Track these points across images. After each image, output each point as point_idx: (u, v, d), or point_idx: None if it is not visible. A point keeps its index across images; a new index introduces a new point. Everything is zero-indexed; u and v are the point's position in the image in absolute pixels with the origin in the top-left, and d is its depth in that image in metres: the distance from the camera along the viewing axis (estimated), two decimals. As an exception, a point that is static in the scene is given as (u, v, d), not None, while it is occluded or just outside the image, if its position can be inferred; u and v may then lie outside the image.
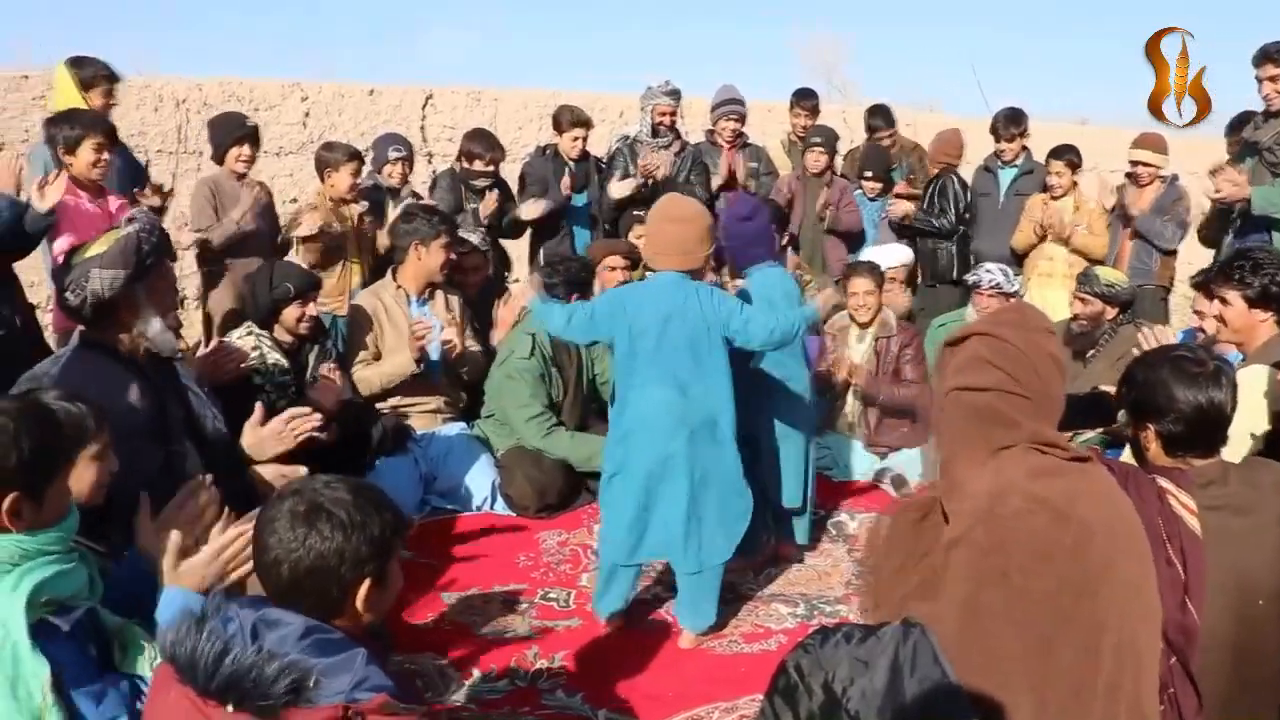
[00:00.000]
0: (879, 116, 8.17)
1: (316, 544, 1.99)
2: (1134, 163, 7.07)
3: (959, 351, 2.46)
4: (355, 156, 6.18)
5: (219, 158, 6.09)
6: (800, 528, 4.98)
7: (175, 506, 2.64)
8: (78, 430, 2.64)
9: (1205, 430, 2.70)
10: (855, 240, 7.58)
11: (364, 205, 6.21)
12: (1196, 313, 4.70)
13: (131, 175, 5.90)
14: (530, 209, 6.79)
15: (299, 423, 3.52)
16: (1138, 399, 2.79)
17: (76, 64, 5.67)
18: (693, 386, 4.05)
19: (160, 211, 5.70)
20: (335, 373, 4.82)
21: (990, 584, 2.28)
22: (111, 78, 5.72)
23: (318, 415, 3.58)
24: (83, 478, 2.66)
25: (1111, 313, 5.63)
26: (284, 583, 2.00)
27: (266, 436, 3.48)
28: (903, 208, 7.47)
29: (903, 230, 7.53)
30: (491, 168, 6.77)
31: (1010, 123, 7.49)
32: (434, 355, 5.59)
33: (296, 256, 6.04)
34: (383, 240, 6.24)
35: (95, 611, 2.30)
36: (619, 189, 6.88)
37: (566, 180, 6.92)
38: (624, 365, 4.16)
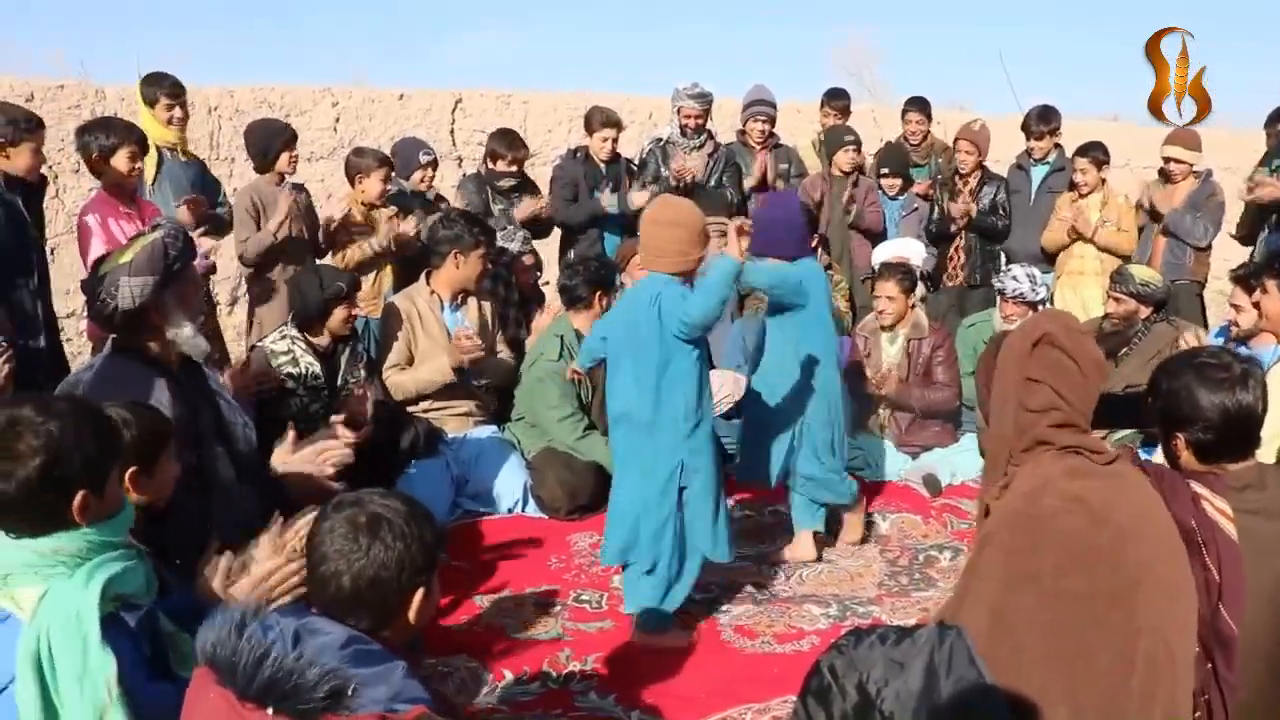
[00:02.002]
0: (914, 104, 8.04)
1: (380, 554, 2.00)
2: (1166, 159, 7.00)
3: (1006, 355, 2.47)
4: (385, 163, 6.20)
5: (266, 165, 6.07)
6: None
7: (239, 562, 2.67)
8: (159, 430, 2.77)
9: (1236, 435, 2.61)
10: (877, 239, 7.51)
11: (393, 209, 6.24)
12: (1233, 306, 4.67)
13: (204, 190, 5.95)
14: (637, 198, 6.77)
15: (329, 454, 3.52)
16: (1164, 408, 2.69)
17: (144, 82, 5.90)
18: (638, 389, 4.07)
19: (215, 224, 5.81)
20: (367, 389, 4.81)
21: (1020, 587, 2.26)
22: (173, 94, 5.87)
23: (348, 450, 3.57)
24: (165, 474, 2.78)
25: (1145, 312, 5.58)
26: (344, 594, 2.01)
27: (295, 463, 3.49)
28: (962, 208, 7.37)
29: (937, 236, 7.49)
30: (515, 167, 6.78)
31: (1041, 120, 7.43)
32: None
33: (332, 260, 6.07)
34: (407, 228, 6.26)
35: (155, 614, 2.33)
36: (637, 199, 6.82)
37: (608, 193, 6.91)
38: (608, 368, 4.27)
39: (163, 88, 5.84)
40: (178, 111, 5.89)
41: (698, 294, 4.01)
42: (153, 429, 2.74)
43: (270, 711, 1.79)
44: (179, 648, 2.32)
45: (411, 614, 2.07)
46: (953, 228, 7.41)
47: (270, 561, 2.57)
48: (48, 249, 5.73)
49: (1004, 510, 2.36)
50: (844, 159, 7.41)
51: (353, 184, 6.21)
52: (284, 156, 6.03)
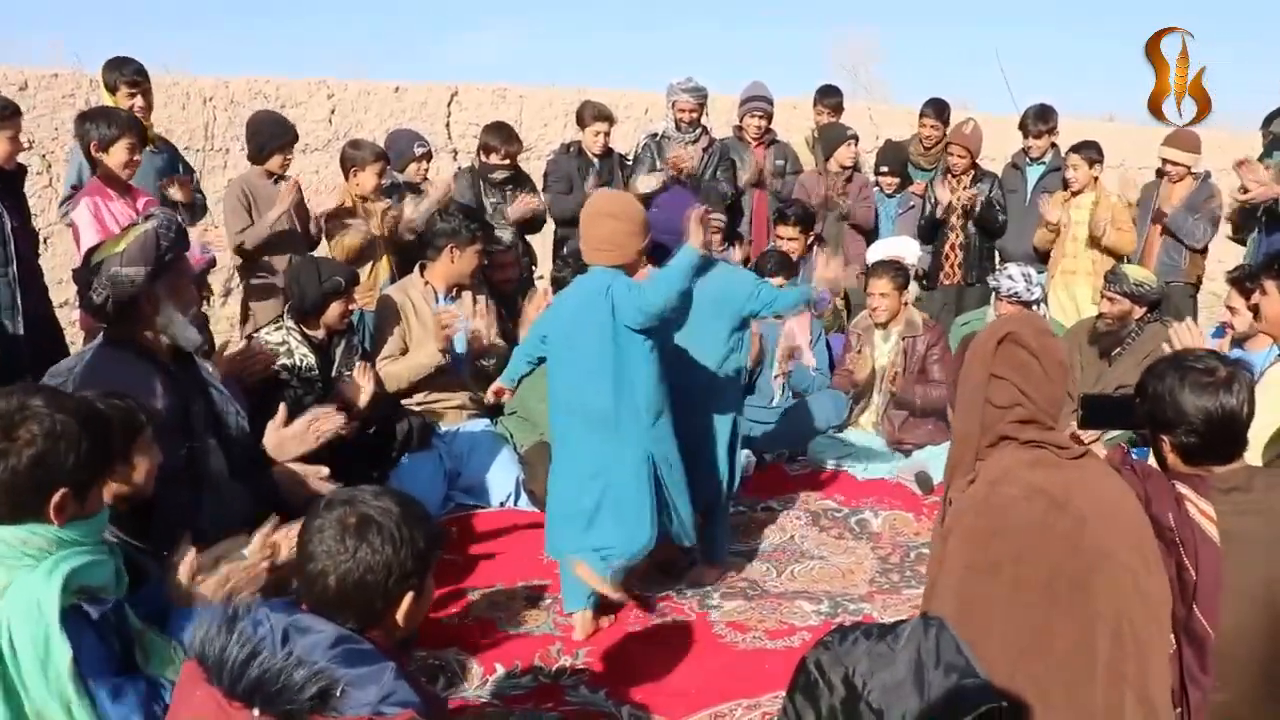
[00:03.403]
0: (930, 106, 7.91)
1: (367, 557, 1.98)
2: (1163, 160, 7.00)
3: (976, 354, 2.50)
4: (381, 157, 6.19)
5: (259, 159, 6.04)
6: (719, 532, 4.79)
7: (212, 557, 2.69)
8: (133, 423, 2.74)
9: (1219, 438, 2.62)
10: (870, 236, 7.51)
11: (388, 202, 6.23)
12: (1229, 308, 4.67)
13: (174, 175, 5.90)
14: (645, 181, 6.75)
15: (321, 423, 3.51)
16: (1150, 410, 2.70)
17: (106, 67, 5.77)
18: (593, 383, 4.01)
19: (189, 207, 5.74)
20: (366, 373, 4.80)
21: (983, 574, 2.31)
22: (134, 82, 5.73)
23: (340, 416, 3.57)
24: (141, 466, 2.74)
25: (1139, 312, 5.57)
26: (330, 594, 1.99)
27: (288, 437, 3.49)
28: (968, 195, 7.29)
29: (929, 231, 7.48)
30: (507, 161, 6.77)
31: (1038, 119, 7.43)
32: (459, 347, 5.60)
33: (327, 252, 6.06)
34: (405, 222, 6.26)
35: (122, 609, 2.33)
36: (645, 183, 6.83)
37: (592, 180, 6.92)
38: (550, 361, 4.23)
39: (124, 74, 5.72)
40: (140, 100, 5.75)
41: (658, 282, 3.96)
42: (126, 420, 2.71)
43: (256, 712, 1.79)
44: (145, 644, 2.32)
45: (400, 616, 2.05)
46: (952, 217, 7.39)
47: (231, 564, 2.61)
48: (41, 238, 5.71)
49: (966, 500, 2.40)
50: (846, 153, 7.42)
51: (347, 176, 6.20)
52: (277, 158, 6.01)
